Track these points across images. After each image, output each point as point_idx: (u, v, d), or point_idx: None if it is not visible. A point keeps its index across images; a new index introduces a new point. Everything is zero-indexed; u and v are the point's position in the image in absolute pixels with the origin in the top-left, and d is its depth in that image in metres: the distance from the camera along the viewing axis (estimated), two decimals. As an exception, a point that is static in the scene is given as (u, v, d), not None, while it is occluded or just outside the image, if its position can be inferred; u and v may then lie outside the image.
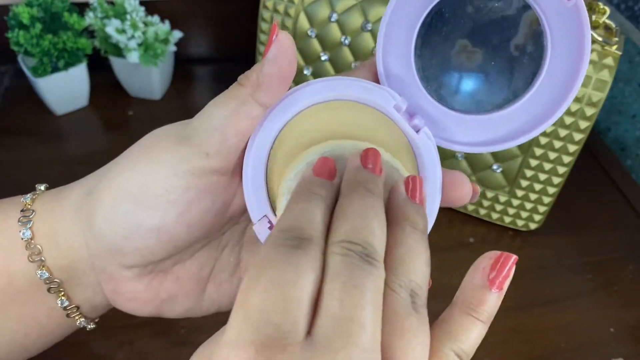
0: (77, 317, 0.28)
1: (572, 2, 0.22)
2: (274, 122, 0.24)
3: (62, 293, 0.27)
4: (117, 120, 0.60)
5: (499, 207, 0.51)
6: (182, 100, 0.63)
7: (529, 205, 0.50)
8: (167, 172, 0.24)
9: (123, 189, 0.24)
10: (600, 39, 0.42)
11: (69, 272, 0.27)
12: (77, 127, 0.59)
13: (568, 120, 0.44)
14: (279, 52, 0.24)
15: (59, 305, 0.27)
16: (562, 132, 0.44)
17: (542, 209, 0.50)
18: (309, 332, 0.17)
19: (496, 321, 0.45)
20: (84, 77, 0.58)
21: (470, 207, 0.52)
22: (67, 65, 0.56)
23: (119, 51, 0.58)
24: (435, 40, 0.24)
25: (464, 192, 0.25)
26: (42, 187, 0.28)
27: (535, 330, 0.44)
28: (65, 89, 0.58)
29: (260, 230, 0.25)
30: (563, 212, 0.52)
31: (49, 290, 0.26)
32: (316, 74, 0.50)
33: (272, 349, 0.16)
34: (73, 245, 0.26)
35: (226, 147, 0.24)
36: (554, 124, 0.44)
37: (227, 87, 0.25)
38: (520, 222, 0.51)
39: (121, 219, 0.24)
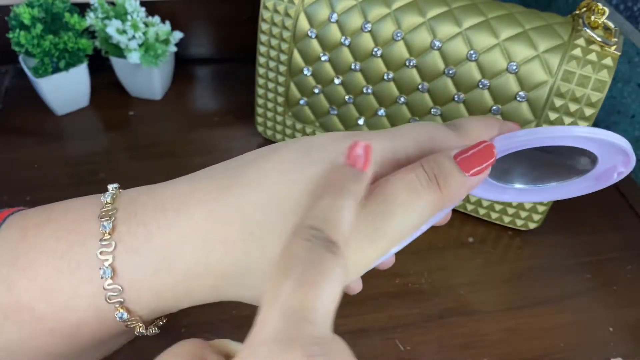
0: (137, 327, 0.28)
1: (618, 178, 0.31)
2: None
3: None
4: (117, 121, 0.60)
5: (498, 207, 0.51)
6: (182, 101, 0.63)
7: (528, 205, 0.50)
8: None
9: None
10: (599, 39, 0.42)
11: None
12: (77, 127, 0.59)
13: (567, 120, 0.44)
14: None
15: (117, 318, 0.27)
16: (561, 133, 0.44)
17: (541, 208, 0.50)
18: None
19: (495, 321, 0.46)
20: (84, 77, 0.58)
21: (470, 207, 0.52)
22: (68, 65, 0.56)
23: (119, 51, 0.58)
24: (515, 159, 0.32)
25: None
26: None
27: (534, 330, 0.44)
28: (66, 90, 0.58)
29: None
30: (562, 212, 0.53)
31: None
32: (316, 75, 0.50)
33: (313, 348, 0.17)
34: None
35: None
36: (553, 125, 0.44)
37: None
38: (519, 222, 0.51)
39: None
